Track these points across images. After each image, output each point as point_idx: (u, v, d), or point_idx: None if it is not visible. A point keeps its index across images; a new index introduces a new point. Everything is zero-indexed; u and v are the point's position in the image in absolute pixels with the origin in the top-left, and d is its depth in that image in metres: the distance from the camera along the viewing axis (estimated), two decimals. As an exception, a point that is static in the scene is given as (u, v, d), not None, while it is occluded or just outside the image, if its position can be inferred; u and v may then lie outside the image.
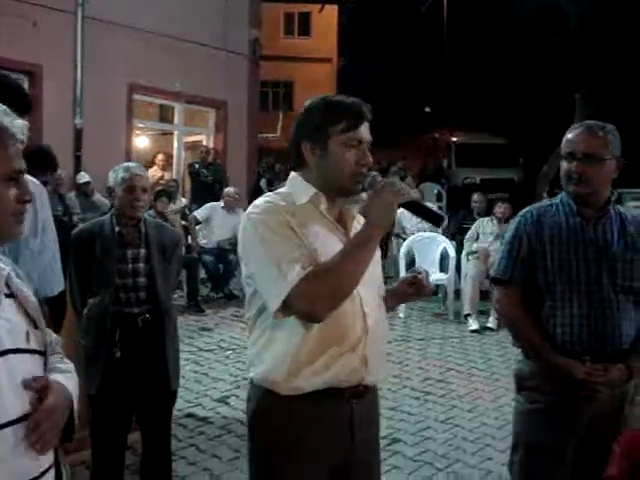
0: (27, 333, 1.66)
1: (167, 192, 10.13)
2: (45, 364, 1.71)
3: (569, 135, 2.84)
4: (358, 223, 2.27)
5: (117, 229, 3.68)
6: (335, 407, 2.22)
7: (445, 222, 2.26)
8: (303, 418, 2.20)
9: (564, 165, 2.84)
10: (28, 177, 2.58)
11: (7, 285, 1.66)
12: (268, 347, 2.21)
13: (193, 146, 14.19)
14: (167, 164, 13.13)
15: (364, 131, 2.21)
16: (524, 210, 2.99)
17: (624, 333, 2.75)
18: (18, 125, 1.63)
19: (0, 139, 1.60)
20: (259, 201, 2.23)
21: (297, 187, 2.26)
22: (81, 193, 10.31)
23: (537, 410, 2.83)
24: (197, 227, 10.07)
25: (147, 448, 3.84)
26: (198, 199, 11.62)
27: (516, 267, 2.88)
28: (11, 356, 1.59)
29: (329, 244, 2.14)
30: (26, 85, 10.53)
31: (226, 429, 5.15)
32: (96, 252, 3.62)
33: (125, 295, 3.64)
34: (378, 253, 2.30)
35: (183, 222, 10.28)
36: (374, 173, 2.19)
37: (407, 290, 2.43)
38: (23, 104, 2.26)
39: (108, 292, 3.59)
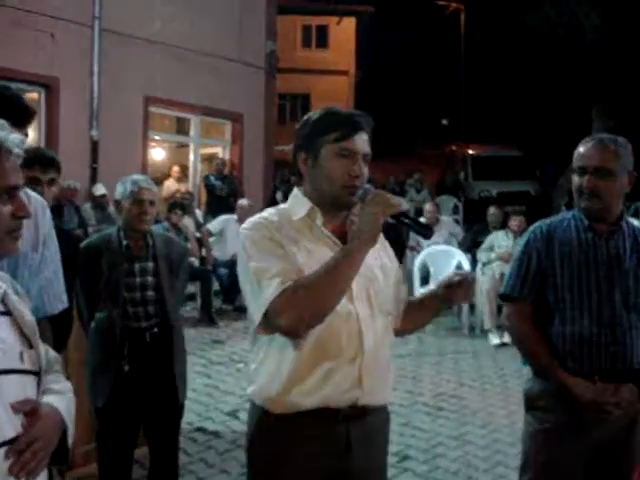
0: (21, 353, 1.63)
1: (181, 204, 10.13)
2: (39, 385, 1.68)
3: (580, 149, 2.78)
4: None
5: (125, 242, 3.67)
6: (329, 428, 2.14)
7: (432, 234, 2.20)
8: (296, 438, 2.14)
9: (575, 179, 2.78)
10: (28, 191, 2.57)
11: (3, 302, 1.63)
12: (263, 364, 2.19)
13: (209, 158, 14.24)
14: (183, 176, 13.19)
15: (358, 142, 2.14)
16: (534, 225, 2.94)
17: (635, 352, 2.68)
18: (14, 139, 1.60)
19: None
20: (254, 217, 2.22)
21: (296, 202, 2.24)
22: (97, 205, 10.38)
23: (547, 430, 2.76)
24: (211, 239, 10.07)
25: (154, 462, 3.81)
26: (213, 212, 11.65)
27: (525, 284, 2.81)
28: (3, 377, 1.56)
29: (323, 260, 2.06)
30: (42, 97, 10.64)
31: (236, 444, 5.09)
32: (103, 266, 3.61)
33: (133, 309, 3.62)
34: (388, 266, 2.27)
35: (197, 234, 10.27)
36: (367, 185, 2.13)
37: (452, 292, 2.30)
38: (23, 116, 2.23)
39: (116, 306, 3.57)
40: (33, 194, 2.63)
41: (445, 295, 2.31)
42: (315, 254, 2.11)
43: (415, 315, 2.43)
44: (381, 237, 2.35)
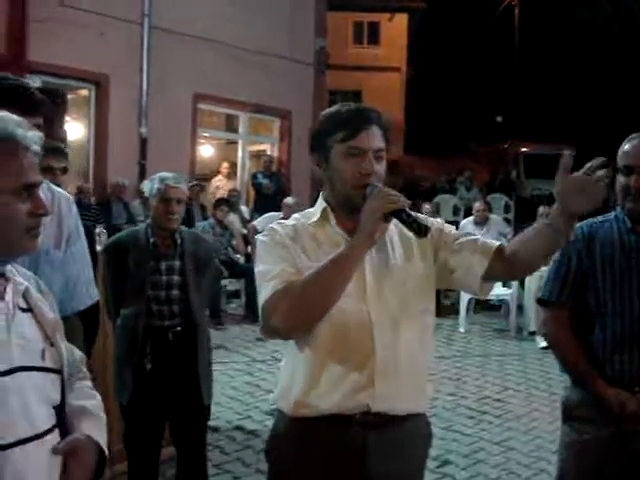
0: (43, 350, 1.62)
1: (227, 201, 10.16)
2: (62, 382, 1.66)
3: (626, 147, 2.64)
4: (391, 233, 2.15)
5: (152, 240, 3.64)
6: (344, 434, 2.07)
7: (428, 234, 2.05)
8: (312, 442, 2.10)
9: (621, 179, 2.63)
10: (53, 187, 2.55)
11: (24, 299, 1.62)
12: (283, 368, 2.21)
13: (257, 155, 14.26)
14: (232, 173, 13.23)
15: (366, 138, 2.07)
16: (576, 226, 2.81)
17: None
18: (32, 136, 1.58)
19: (12, 150, 1.55)
20: (273, 223, 2.22)
21: (317, 205, 2.22)
22: (146, 201, 10.44)
23: (584, 442, 2.63)
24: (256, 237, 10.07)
25: (182, 463, 3.78)
26: (260, 209, 11.65)
27: (565, 288, 2.69)
28: (22, 374, 1.54)
29: None
30: (93, 94, 10.78)
31: (273, 443, 5.06)
32: (130, 263, 3.59)
33: (157, 307, 3.59)
34: (413, 265, 2.16)
35: (243, 231, 10.29)
36: (376, 184, 2.04)
37: (571, 200, 1.92)
38: (30, 104, 2.20)
39: (140, 303, 3.55)
40: (58, 189, 2.62)
41: (565, 207, 1.94)
42: (324, 259, 2.03)
43: (525, 249, 2.08)
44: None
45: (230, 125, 14.15)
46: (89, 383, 1.86)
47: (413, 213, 1.99)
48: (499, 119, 31.95)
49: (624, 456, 2.56)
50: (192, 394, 3.64)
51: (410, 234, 2.11)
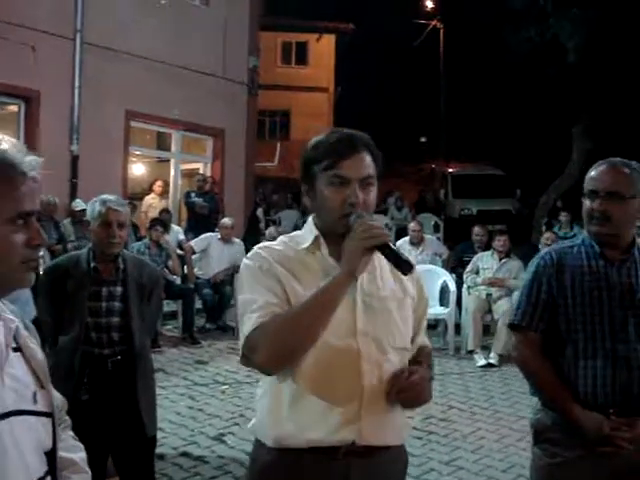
0: (34, 393, 1.52)
1: (162, 221, 9.99)
2: (53, 427, 1.56)
3: (592, 172, 2.69)
4: (382, 263, 2.11)
5: (93, 264, 3.51)
6: (327, 465, 2.02)
7: (412, 272, 2.04)
8: (292, 474, 2.05)
9: (586, 204, 2.68)
10: None
11: (14, 339, 1.51)
12: (263, 398, 2.13)
13: (190, 174, 14.10)
14: (164, 191, 13.03)
15: (351, 166, 1.99)
16: (543, 252, 2.85)
17: None
18: (30, 162, 1.47)
19: (8, 177, 1.43)
20: (259, 246, 2.15)
21: (306, 230, 2.15)
22: (77, 220, 10.17)
23: (558, 465, 2.65)
24: (193, 257, 9.93)
25: None
26: (194, 229, 11.50)
27: (535, 313, 2.71)
28: (16, 418, 1.44)
29: None
30: (22, 110, 10.50)
31: (223, 469, 4.96)
32: (68, 287, 3.45)
33: (96, 335, 3.47)
34: (411, 302, 2.16)
35: (179, 251, 10.12)
36: (359, 212, 1.98)
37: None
38: None
39: (78, 330, 3.42)
40: None
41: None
42: (315, 287, 1.98)
43: None
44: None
45: (163, 143, 13.97)
46: (72, 433, 1.79)
47: (395, 248, 1.96)
48: (423, 140, 32.58)
49: (602, 475, 2.59)
50: (134, 425, 3.50)
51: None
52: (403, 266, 1.93)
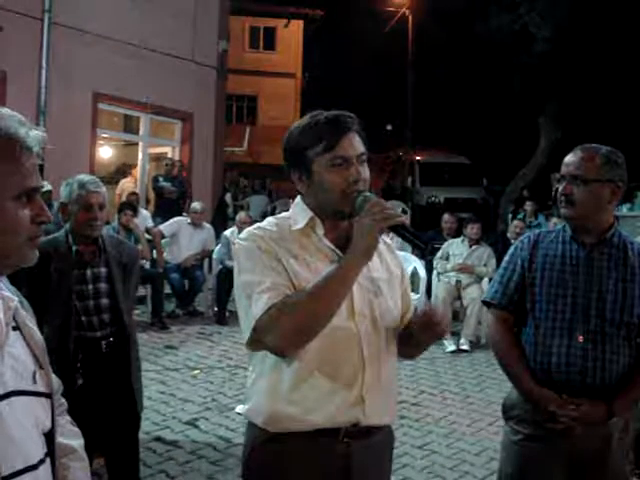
0: (34, 373, 1.48)
1: (131, 204, 9.89)
2: (52, 408, 1.54)
3: (565, 158, 2.75)
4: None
5: (74, 248, 3.46)
6: (329, 447, 2.04)
7: (428, 252, 2.09)
8: (293, 457, 2.04)
9: (558, 188, 2.75)
10: None
11: (13, 317, 1.48)
12: (258, 381, 2.10)
13: (158, 158, 13.97)
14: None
15: (348, 145, 2.01)
16: (524, 235, 2.95)
17: (608, 368, 2.61)
18: (35, 136, 1.43)
19: (14, 152, 1.39)
20: (251, 227, 2.13)
21: (297, 211, 2.14)
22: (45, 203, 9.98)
23: (518, 442, 2.74)
24: (162, 242, 9.85)
25: (114, 476, 3.63)
26: (162, 214, 11.40)
27: (507, 292, 2.80)
28: (17, 399, 1.41)
29: (321, 273, 1.96)
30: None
31: (197, 454, 4.94)
32: (52, 273, 3.38)
33: (87, 318, 3.43)
34: (398, 281, 2.18)
35: (148, 236, 10.02)
36: (366, 193, 1.99)
37: (425, 334, 2.09)
38: None
39: (68, 316, 3.37)
40: None
41: (421, 337, 2.12)
42: (314, 267, 2.01)
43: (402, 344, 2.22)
44: (388, 243, 2.26)
45: (130, 126, 13.81)
46: (69, 417, 1.77)
47: (411, 228, 1.98)
48: (389, 127, 32.63)
49: (555, 458, 2.65)
50: (126, 405, 3.51)
51: (386, 253, 2.20)
52: (422, 245, 1.98)
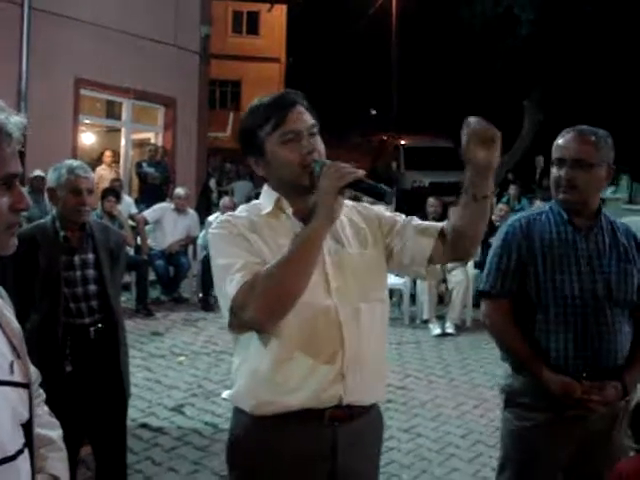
0: (11, 363, 1.46)
1: (115, 190, 9.81)
2: (30, 398, 1.51)
3: (559, 141, 2.73)
4: (342, 222, 2.12)
5: (62, 233, 3.43)
6: (314, 430, 2.04)
7: (392, 197, 2.03)
8: (280, 441, 2.04)
9: (553, 172, 2.73)
10: None
11: None
12: (241, 367, 2.10)
13: (141, 144, 13.88)
14: (114, 162, 12.80)
15: (295, 119, 2.02)
16: (512, 219, 2.88)
17: (619, 348, 2.65)
18: (15, 122, 1.41)
19: None
20: (222, 216, 2.16)
21: (264, 196, 2.15)
22: (34, 189, 9.86)
23: (528, 428, 2.71)
24: (146, 228, 9.79)
25: (101, 463, 3.61)
26: (146, 200, 11.33)
27: (506, 279, 2.75)
28: None
29: None
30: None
31: (182, 440, 4.94)
32: (40, 259, 3.34)
33: (75, 305, 3.40)
34: (368, 254, 2.13)
35: (131, 222, 9.96)
36: (322, 160, 2.00)
37: (472, 154, 1.96)
38: None
39: (56, 302, 3.34)
40: None
41: (472, 163, 1.98)
42: (285, 247, 1.99)
43: (459, 223, 2.06)
44: (358, 208, 2.21)
45: (113, 112, 13.71)
46: (47, 408, 1.75)
47: (370, 181, 1.94)
48: (373, 112, 32.58)
49: (568, 441, 2.66)
50: (114, 391, 3.50)
51: (360, 222, 2.16)
52: (384, 194, 1.91)
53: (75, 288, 3.41)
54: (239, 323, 1.97)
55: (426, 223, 2.18)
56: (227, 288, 1.94)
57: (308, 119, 2.05)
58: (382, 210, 2.24)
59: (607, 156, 2.69)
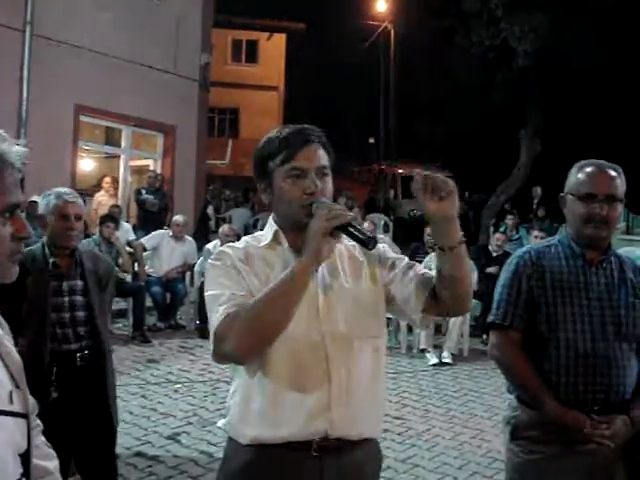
0: (10, 393, 1.45)
1: (113, 217, 9.83)
2: (28, 428, 1.51)
3: (581, 175, 2.69)
4: (342, 255, 2.12)
5: (51, 260, 3.46)
6: (300, 461, 2.02)
7: (376, 245, 2.02)
8: (264, 470, 2.03)
9: (580, 207, 2.68)
10: None
11: None
12: (234, 395, 2.12)
13: (140, 170, 13.93)
14: (113, 188, 12.83)
15: (306, 157, 2.02)
16: (521, 251, 2.86)
17: (628, 383, 2.64)
18: (17, 152, 1.42)
19: None
20: (222, 247, 2.18)
21: (267, 228, 2.17)
22: (28, 214, 9.88)
23: (536, 461, 2.68)
24: (144, 254, 9.79)
25: None
26: (144, 226, 11.35)
27: (516, 311, 2.72)
28: None
29: None
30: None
31: (178, 469, 4.90)
32: (28, 285, 3.35)
33: (62, 331, 3.42)
34: (364, 288, 2.12)
35: (129, 249, 9.96)
36: (321, 199, 1.99)
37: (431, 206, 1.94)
38: None
39: (43, 328, 3.35)
40: None
41: (429, 215, 1.97)
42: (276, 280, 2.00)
43: (439, 277, 2.03)
44: (349, 246, 2.19)
45: (112, 139, 13.77)
46: (44, 438, 1.74)
47: (359, 226, 1.95)
48: (371, 140, 32.73)
49: (576, 474, 2.63)
50: (102, 420, 3.49)
51: (360, 256, 2.15)
52: (368, 242, 1.92)
53: (63, 313, 3.44)
54: (220, 354, 1.97)
55: (423, 272, 2.13)
56: (212, 319, 1.97)
57: (320, 159, 2.05)
58: (386, 248, 2.21)
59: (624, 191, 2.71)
